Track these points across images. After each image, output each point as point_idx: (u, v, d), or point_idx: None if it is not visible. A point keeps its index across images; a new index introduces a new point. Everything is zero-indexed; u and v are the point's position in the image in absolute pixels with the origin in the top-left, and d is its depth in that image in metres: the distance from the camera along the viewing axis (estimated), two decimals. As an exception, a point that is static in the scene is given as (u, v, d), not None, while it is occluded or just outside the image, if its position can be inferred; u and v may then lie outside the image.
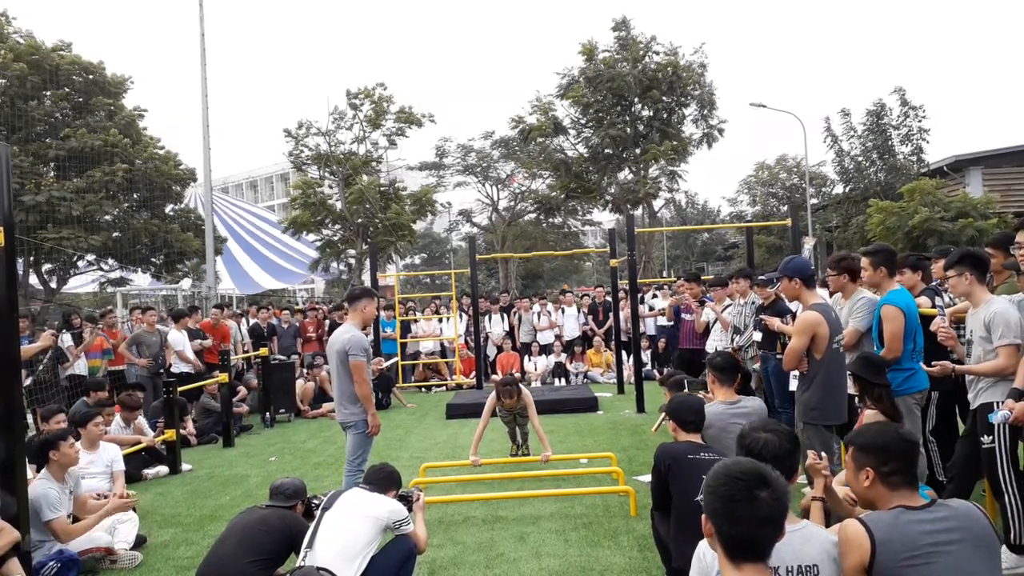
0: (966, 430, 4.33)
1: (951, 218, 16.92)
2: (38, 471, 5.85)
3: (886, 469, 2.44)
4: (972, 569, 2.27)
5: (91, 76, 19.30)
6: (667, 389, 6.18)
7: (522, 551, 4.79)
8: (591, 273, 46.10)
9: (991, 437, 3.82)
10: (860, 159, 23.70)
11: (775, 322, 6.03)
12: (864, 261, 4.84)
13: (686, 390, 5.63)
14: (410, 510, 4.08)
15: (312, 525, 3.73)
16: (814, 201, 27.46)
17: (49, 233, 17.28)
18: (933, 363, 4.40)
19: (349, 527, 3.63)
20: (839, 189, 25.99)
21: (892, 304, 4.58)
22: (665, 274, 33.97)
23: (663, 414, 4.41)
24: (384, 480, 4.03)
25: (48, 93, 19.00)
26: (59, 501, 4.74)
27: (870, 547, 2.27)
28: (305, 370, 11.85)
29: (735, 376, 4.60)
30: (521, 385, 7.13)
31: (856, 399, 4.60)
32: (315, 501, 4.29)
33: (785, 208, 30.44)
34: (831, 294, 5.55)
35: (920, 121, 22.67)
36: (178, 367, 10.13)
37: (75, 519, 4.96)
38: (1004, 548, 3.99)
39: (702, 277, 10.12)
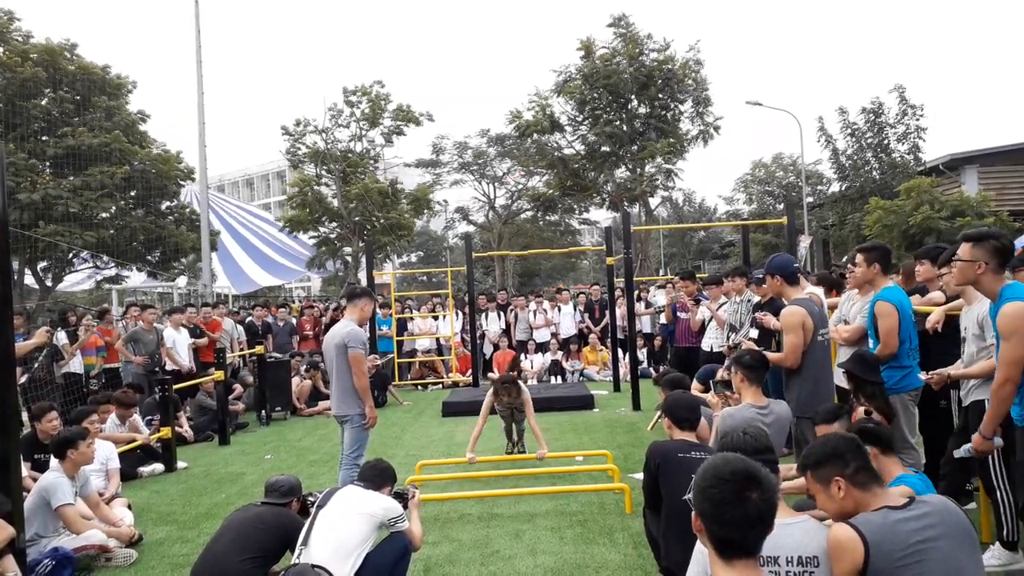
0: (958, 427, 4.34)
1: (948, 217, 16.96)
2: (33, 469, 5.88)
3: (850, 470, 2.48)
4: (958, 563, 2.30)
5: (90, 76, 19.25)
6: (661, 388, 6.17)
7: (517, 548, 4.80)
8: (588, 271, 46.17)
9: (959, 455, 3.84)
10: (856, 158, 23.75)
11: (771, 319, 6.04)
12: (858, 257, 4.85)
13: (711, 391, 5.54)
14: (405, 507, 4.08)
15: (307, 523, 3.73)
16: (810, 199, 27.52)
17: (44, 230, 17.22)
18: (930, 373, 4.41)
19: (344, 525, 3.63)
20: (835, 187, 26.06)
21: (886, 300, 4.59)
22: (662, 272, 34.01)
23: (659, 412, 4.39)
24: (379, 476, 4.03)
25: (48, 91, 18.96)
26: (71, 492, 4.89)
27: (863, 551, 2.28)
28: (303, 368, 11.84)
29: (764, 375, 4.48)
30: (520, 383, 7.12)
31: (850, 395, 4.62)
32: (310, 498, 4.30)
33: (781, 206, 30.50)
34: (848, 288, 5.53)
35: (917, 120, 22.74)
36: (173, 365, 10.14)
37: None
38: (996, 544, 4.02)
39: (697, 275, 10.12)
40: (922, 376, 4.52)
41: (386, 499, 3.87)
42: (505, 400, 7.05)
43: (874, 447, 3.01)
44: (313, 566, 3.45)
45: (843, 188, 24.55)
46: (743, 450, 2.56)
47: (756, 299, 7.21)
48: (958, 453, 3.82)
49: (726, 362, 6.66)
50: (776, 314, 6.35)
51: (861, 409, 4.41)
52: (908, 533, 2.30)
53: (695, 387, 6.82)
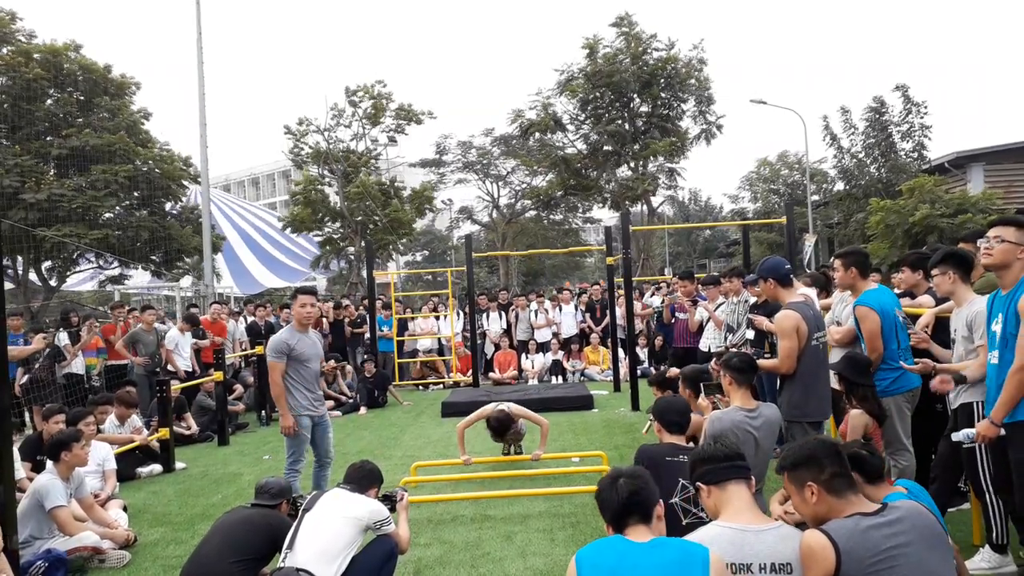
0: (948, 429, 4.33)
1: (950, 215, 16.87)
2: (33, 469, 5.92)
3: (825, 476, 2.47)
4: (930, 568, 2.30)
5: (94, 76, 19.32)
6: (656, 387, 6.16)
7: (508, 550, 4.80)
8: (592, 270, 46.09)
9: (958, 438, 3.82)
10: (861, 155, 23.65)
11: (763, 321, 6.02)
12: (836, 263, 4.85)
13: (702, 393, 5.50)
14: (393, 510, 4.10)
15: (293, 526, 3.74)
16: (815, 198, 27.39)
17: (48, 231, 17.27)
18: (916, 360, 4.40)
19: (329, 528, 3.64)
20: (840, 186, 25.96)
21: (864, 304, 4.57)
22: (667, 271, 33.96)
23: (651, 415, 4.38)
24: (365, 478, 4.04)
25: (52, 92, 19.02)
26: (65, 494, 4.91)
27: (835, 557, 2.29)
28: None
29: (753, 377, 4.42)
30: (507, 408, 6.87)
31: (843, 398, 4.61)
32: (300, 501, 4.32)
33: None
34: (842, 290, 5.51)
35: (922, 118, 22.61)
36: (183, 364, 10.14)
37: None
38: (986, 547, 4.01)
39: (696, 275, 10.10)
40: (902, 364, 4.47)
41: (371, 502, 3.87)
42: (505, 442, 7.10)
43: (859, 475, 2.90)
44: (298, 570, 3.47)
45: (848, 187, 24.44)
46: (714, 457, 2.57)
47: (753, 300, 7.21)
48: (956, 437, 3.75)
49: (713, 360, 6.64)
50: (771, 315, 6.34)
51: (854, 412, 4.41)
52: (879, 539, 2.30)
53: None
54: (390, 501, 4.15)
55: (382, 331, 13.47)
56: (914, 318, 4.89)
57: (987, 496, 3.95)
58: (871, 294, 4.61)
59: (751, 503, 2.51)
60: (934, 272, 4.32)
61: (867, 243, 19.30)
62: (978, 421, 3.89)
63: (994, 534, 3.97)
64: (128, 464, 7.24)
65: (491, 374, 13.42)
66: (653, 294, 14.13)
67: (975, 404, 3.95)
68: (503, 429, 6.85)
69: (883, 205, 18.27)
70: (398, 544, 3.92)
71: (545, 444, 6.83)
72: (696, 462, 2.65)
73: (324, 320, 13.42)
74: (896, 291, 5.58)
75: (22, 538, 4.57)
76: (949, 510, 4.55)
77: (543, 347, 13.61)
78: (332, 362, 11.49)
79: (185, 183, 21.25)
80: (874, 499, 2.82)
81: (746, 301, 7.43)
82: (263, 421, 10.42)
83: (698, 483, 2.63)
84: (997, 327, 3.61)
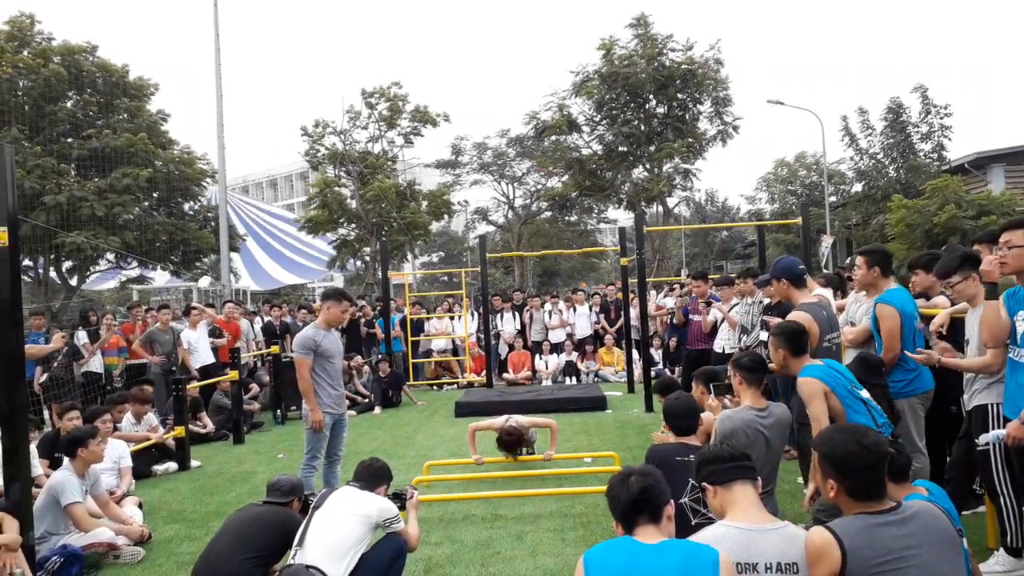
0: (962, 431, 4.28)
1: (973, 216, 16.68)
2: (51, 467, 6.01)
3: (849, 483, 2.41)
4: (940, 571, 2.27)
5: (113, 78, 19.54)
6: (659, 394, 6.13)
7: (519, 550, 4.81)
8: (609, 272, 45.97)
9: (986, 440, 3.77)
10: (879, 155, 23.43)
11: (776, 322, 5.98)
12: (859, 260, 4.80)
13: (711, 394, 5.45)
14: (403, 508, 4.11)
15: (303, 523, 3.77)
16: (833, 199, 27.17)
17: (69, 235, 17.44)
18: (918, 350, 4.35)
19: (339, 525, 3.67)
20: (858, 187, 25.74)
21: (886, 303, 4.52)
22: (683, 272, 33.81)
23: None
24: (374, 476, 4.05)
25: (71, 93, 19.25)
26: (80, 490, 4.96)
27: (840, 556, 2.27)
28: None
29: (763, 377, 4.38)
30: (516, 423, 6.81)
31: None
32: (311, 499, 4.35)
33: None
34: (856, 291, 5.46)
35: (942, 119, 22.37)
36: (198, 362, 10.20)
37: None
38: (1000, 550, 3.96)
39: (709, 276, 10.05)
40: (905, 352, 4.42)
41: (381, 500, 3.89)
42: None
43: None
44: (308, 567, 3.49)
45: (866, 188, 24.23)
46: (719, 458, 2.56)
47: (767, 301, 7.17)
48: (985, 439, 3.71)
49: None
50: (784, 316, 6.29)
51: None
52: (888, 539, 2.27)
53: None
54: (400, 499, 4.17)
55: (393, 329, 13.51)
56: (928, 319, 4.84)
57: (1002, 499, 3.90)
58: (894, 293, 4.57)
59: (757, 503, 2.50)
60: (955, 279, 4.24)
61: (886, 244, 19.13)
62: (993, 423, 3.85)
63: (1009, 537, 3.92)
64: (144, 462, 7.31)
65: (505, 375, 13.43)
66: (667, 295, 14.07)
67: (990, 406, 3.91)
68: (515, 443, 6.79)
69: (904, 204, 18.09)
70: (407, 542, 3.94)
71: (555, 444, 6.82)
72: (701, 462, 2.64)
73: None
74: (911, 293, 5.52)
75: (38, 534, 4.64)
76: (963, 513, 4.50)
77: (557, 348, 13.60)
78: (358, 358, 11.60)
79: (203, 183, 21.43)
80: (894, 499, 2.81)
81: (760, 302, 7.39)
82: (278, 420, 10.50)
83: (704, 483, 2.63)
84: (1022, 324, 3.54)
